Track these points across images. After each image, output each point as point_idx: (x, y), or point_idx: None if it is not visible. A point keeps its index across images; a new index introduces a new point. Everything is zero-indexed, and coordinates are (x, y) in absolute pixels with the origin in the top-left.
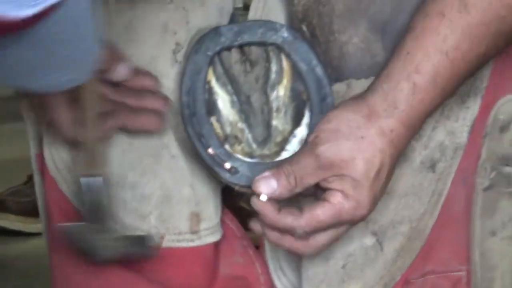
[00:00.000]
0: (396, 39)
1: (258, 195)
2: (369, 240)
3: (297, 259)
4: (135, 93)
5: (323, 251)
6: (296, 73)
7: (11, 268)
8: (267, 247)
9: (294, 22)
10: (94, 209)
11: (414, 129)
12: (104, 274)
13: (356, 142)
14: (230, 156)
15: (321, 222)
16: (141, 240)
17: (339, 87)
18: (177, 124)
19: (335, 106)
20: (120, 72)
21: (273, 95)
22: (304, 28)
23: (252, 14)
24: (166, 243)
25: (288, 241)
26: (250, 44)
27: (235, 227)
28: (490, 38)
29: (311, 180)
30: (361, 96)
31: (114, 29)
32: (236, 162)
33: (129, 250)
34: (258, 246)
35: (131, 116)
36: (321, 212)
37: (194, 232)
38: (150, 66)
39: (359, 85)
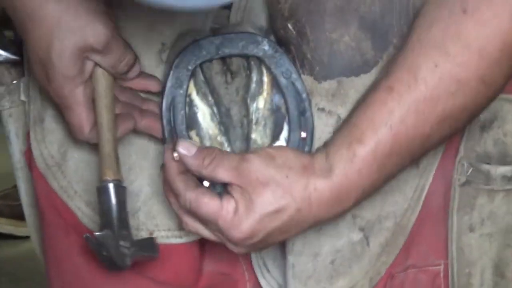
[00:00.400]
0: (384, 38)
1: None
2: (356, 236)
3: (282, 256)
4: (138, 95)
5: (311, 248)
6: (276, 86)
7: (2, 271)
8: None
9: (278, 21)
10: (114, 216)
11: (340, 201)
12: (95, 269)
13: (279, 176)
14: None
15: (201, 211)
16: (150, 243)
17: (330, 85)
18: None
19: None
20: (135, 72)
21: (253, 107)
22: (290, 26)
23: (233, 14)
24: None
25: (175, 203)
26: (231, 56)
27: None
28: (436, 118)
29: (222, 175)
30: (309, 153)
31: None
32: None
33: (142, 254)
34: None
35: (139, 118)
36: (206, 201)
37: (181, 228)
38: None
39: (349, 83)
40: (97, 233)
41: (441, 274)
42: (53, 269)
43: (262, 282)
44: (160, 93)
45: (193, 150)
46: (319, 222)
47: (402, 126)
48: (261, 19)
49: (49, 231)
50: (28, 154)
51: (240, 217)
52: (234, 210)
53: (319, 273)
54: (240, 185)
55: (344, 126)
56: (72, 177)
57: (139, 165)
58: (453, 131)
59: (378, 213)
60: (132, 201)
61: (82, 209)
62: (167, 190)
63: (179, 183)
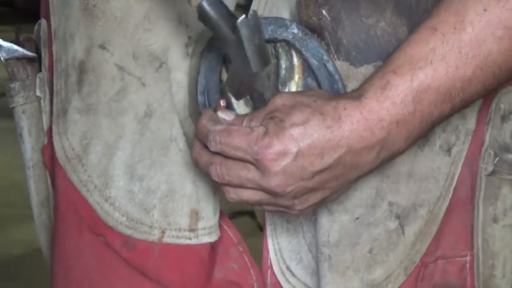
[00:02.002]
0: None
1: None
2: (392, 224)
3: (307, 256)
4: None
5: (349, 237)
6: (308, 69)
7: None
8: (272, 251)
9: (311, 7)
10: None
11: (372, 129)
12: (103, 270)
13: (307, 100)
14: None
15: (232, 139)
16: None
17: (367, 69)
18: (185, 118)
19: None
20: None
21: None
22: (325, 12)
23: (254, 9)
24: (166, 238)
25: (204, 156)
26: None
27: (232, 233)
28: (480, 62)
29: (255, 120)
30: None
31: (133, 17)
32: None
33: None
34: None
35: None
36: (236, 129)
37: (192, 230)
38: (164, 57)
39: None
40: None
41: (467, 266)
42: (60, 267)
43: (287, 286)
44: (195, 79)
45: (231, 116)
46: (351, 152)
47: (442, 63)
48: (284, 13)
49: (61, 229)
50: (46, 150)
51: (271, 136)
52: (264, 131)
53: (358, 262)
54: (269, 113)
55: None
56: (92, 170)
57: (159, 161)
58: (495, 83)
59: (413, 201)
60: (149, 198)
61: (102, 204)
62: (197, 149)
63: (209, 123)
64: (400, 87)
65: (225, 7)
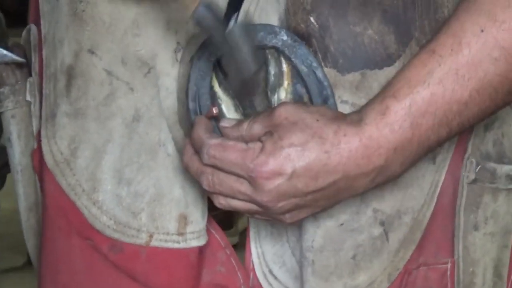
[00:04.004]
0: (407, 32)
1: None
2: (377, 231)
3: (291, 260)
4: None
5: (333, 243)
6: (297, 75)
7: None
8: (255, 254)
9: (299, 15)
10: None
11: (370, 156)
12: (93, 274)
13: (310, 119)
14: None
15: (227, 154)
16: None
17: (354, 77)
18: (173, 123)
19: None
20: None
21: (274, 98)
22: (313, 19)
23: (243, 15)
24: (154, 242)
25: (196, 163)
26: None
27: (219, 236)
28: (476, 84)
29: (256, 128)
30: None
31: (122, 22)
32: None
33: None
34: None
35: None
36: (232, 144)
37: (180, 234)
38: (153, 62)
39: (373, 75)
40: None
41: (448, 273)
42: (48, 271)
43: None
44: (184, 84)
45: (232, 122)
46: (346, 178)
47: (440, 87)
48: (273, 19)
49: (49, 233)
50: (36, 154)
51: (267, 155)
52: (260, 148)
53: (341, 268)
54: (270, 127)
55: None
56: (81, 174)
57: (148, 165)
58: (492, 105)
59: (398, 208)
60: (136, 202)
61: (89, 208)
62: (189, 150)
63: (200, 131)
64: (399, 113)
65: (220, 12)
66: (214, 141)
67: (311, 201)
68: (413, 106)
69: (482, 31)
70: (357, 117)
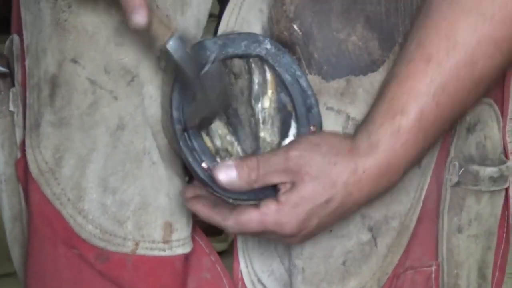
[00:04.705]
0: (390, 37)
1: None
2: (365, 236)
3: (279, 268)
4: None
5: (323, 250)
6: (281, 84)
7: None
8: (243, 263)
9: (282, 22)
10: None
11: (389, 177)
12: (78, 281)
13: (328, 165)
14: None
15: (247, 227)
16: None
17: (338, 84)
18: (158, 131)
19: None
20: None
21: (258, 107)
22: (296, 27)
23: (224, 25)
24: (140, 250)
25: (216, 220)
26: (234, 56)
27: (204, 243)
28: (474, 82)
29: (273, 179)
30: (349, 135)
31: (104, 31)
32: None
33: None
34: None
35: None
36: (247, 218)
37: (166, 241)
38: (136, 70)
39: (358, 81)
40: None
41: (433, 276)
42: (34, 281)
43: None
44: (167, 93)
45: (233, 172)
46: (368, 200)
47: (444, 93)
48: (256, 29)
49: (35, 242)
50: (20, 164)
51: (286, 212)
52: (275, 208)
53: (332, 274)
54: (291, 181)
55: (380, 102)
56: (66, 184)
57: (132, 174)
58: (486, 92)
59: (385, 213)
60: (122, 210)
61: (75, 217)
62: (205, 212)
63: (215, 217)
64: (412, 130)
65: (190, 48)
66: (231, 222)
67: (319, 229)
68: (423, 119)
69: (475, 30)
70: (369, 143)
